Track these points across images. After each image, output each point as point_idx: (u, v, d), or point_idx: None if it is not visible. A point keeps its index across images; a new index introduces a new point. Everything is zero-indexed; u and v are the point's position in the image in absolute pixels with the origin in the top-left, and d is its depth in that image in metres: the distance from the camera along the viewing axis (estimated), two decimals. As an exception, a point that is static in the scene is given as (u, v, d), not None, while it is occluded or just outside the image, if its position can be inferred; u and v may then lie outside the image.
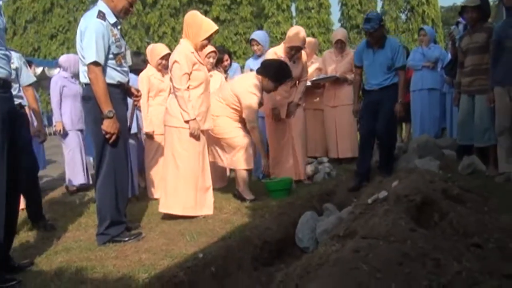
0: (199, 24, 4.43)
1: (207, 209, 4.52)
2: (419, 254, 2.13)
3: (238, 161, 5.01)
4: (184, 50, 4.38)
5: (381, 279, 1.91)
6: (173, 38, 25.03)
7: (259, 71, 5.14)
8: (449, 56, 6.52)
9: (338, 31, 7.76)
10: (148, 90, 5.48)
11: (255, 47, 6.52)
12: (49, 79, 15.29)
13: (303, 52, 5.88)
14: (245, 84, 5.05)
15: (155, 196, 5.47)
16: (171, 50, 5.69)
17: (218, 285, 3.20)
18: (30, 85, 4.90)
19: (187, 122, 4.36)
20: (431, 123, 7.29)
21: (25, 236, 4.28)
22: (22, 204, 5.33)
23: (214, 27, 4.50)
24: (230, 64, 6.67)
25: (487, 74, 4.92)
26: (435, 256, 2.12)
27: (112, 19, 3.74)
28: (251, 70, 6.07)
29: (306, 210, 4.25)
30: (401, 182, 3.42)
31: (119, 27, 3.84)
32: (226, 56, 6.50)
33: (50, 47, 26.12)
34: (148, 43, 24.22)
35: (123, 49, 3.82)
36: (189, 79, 4.37)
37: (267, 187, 5.15)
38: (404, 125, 8.56)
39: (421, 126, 7.30)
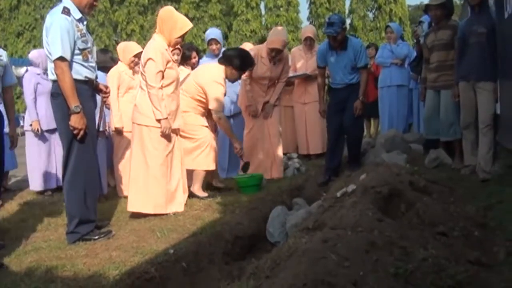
0: (174, 21, 4.39)
1: (178, 206, 4.48)
2: (386, 242, 2.17)
3: (200, 162, 4.96)
4: (158, 47, 4.32)
5: (349, 267, 1.95)
6: (141, 36, 24.86)
7: (221, 61, 5.07)
8: (415, 53, 6.65)
9: (307, 28, 7.80)
10: (118, 86, 5.43)
11: (214, 46, 6.39)
12: (16, 78, 15.05)
13: (286, 53, 5.88)
14: (209, 75, 4.97)
15: (125, 194, 5.41)
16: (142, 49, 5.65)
17: (190, 280, 3.21)
18: (11, 86, 4.77)
19: (158, 121, 4.30)
20: (399, 118, 7.42)
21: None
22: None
23: (189, 24, 4.47)
24: (198, 62, 6.62)
25: (452, 70, 5.03)
26: (402, 244, 2.17)
27: (77, 14, 3.70)
28: None
29: (277, 205, 4.28)
30: (368, 175, 3.47)
31: (85, 22, 3.80)
32: (194, 54, 6.36)
33: (16, 45, 25.64)
34: (116, 41, 23.97)
35: (89, 45, 3.78)
36: (163, 77, 4.32)
37: (238, 183, 5.15)
38: (372, 120, 8.69)
39: (389, 122, 7.41)
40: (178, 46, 5.33)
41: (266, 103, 5.75)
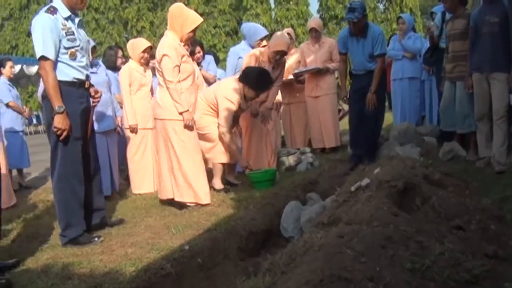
0: (185, 16, 4.43)
1: (208, 197, 4.55)
2: (402, 237, 2.17)
3: (216, 154, 5.09)
4: (172, 42, 4.37)
5: (365, 262, 1.94)
6: (151, 32, 24.92)
7: (240, 78, 5.14)
8: (427, 44, 6.58)
9: (311, 20, 7.80)
10: (129, 84, 5.44)
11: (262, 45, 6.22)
12: (27, 76, 15.11)
13: (284, 58, 5.84)
14: (225, 90, 5.07)
15: (138, 192, 5.46)
16: (151, 44, 5.68)
17: (205, 276, 3.23)
18: None
19: (181, 113, 4.37)
20: (412, 111, 7.36)
21: (10, 235, 4.24)
22: (6, 203, 5.34)
23: (199, 19, 4.51)
24: (203, 56, 6.62)
25: (467, 61, 4.98)
26: (418, 239, 2.17)
27: (65, 13, 3.63)
28: (240, 58, 6.06)
29: (290, 200, 4.28)
30: (383, 169, 3.46)
31: (76, 20, 3.73)
32: (198, 48, 6.36)
33: (27, 44, 25.79)
34: (127, 38, 24.05)
35: (78, 43, 3.69)
36: (179, 71, 4.37)
37: (251, 178, 5.16)
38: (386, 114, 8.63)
39: (402, 115, 7.36)
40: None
41: (262, 105, 5.65)
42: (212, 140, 5.08)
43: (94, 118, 4.52)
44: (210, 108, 5.10)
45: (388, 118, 8.49)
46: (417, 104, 7.41)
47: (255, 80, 5.05)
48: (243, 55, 6.03)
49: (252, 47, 6.10)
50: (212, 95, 5.09)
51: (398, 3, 23.98)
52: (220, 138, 5.04)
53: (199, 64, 6.33)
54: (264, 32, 6.29)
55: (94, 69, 5.05)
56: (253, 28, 6.49)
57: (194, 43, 6.20)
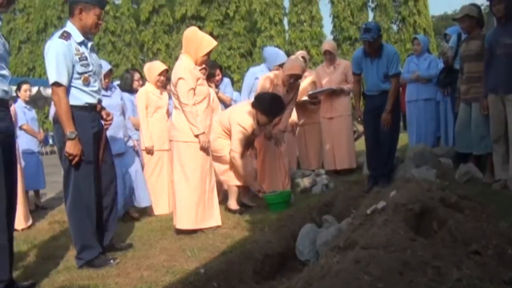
0: (199, 40, 4.50)
1: (216, 220, 4.58)
2: (420, 262, 2.15)
3: (231, 176, 5.17)
4: (187, 66, 4.45)
5: (383, 288, 1.93)
6: (167, 54, 25.20)
7: (253, 104, 5.20)
8: (441, 64, 6.57)
9: (325, 43, 7.89)
10: (146, 106, 5.51)
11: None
12: (44, 98, 15.32)
13: (298, 82, 5.92)
14: (239, 116, 5.14)
15: (155, 213, 5.49)
16: (166, 66, 5.76)
17: (221, 300, 3.21)
18: None
19: (197, 136, 4.42)
20: (427, 132, 7.33)
21: (26, 256, 4.27)
22: (23, 224, 5.39)
23: (214, 42, 4.59)
24: (222, 79, 6.73)
25: (481, 82, 4.97)
26: (435, 264, 2.14)
27: (78, 38, 3.68)
28: (256, 78, 6.12)
29: (306, 222, 4.26)
30: (399, 191, 3.44)
31: (89, 44, 3.77)
32: (217, 71, 6.54)
33: (44, 66, 26.14)
34: (143, 60, 24.36)
35: (91, 68, 3.73)
36: (195, 94, 4.43)
37: (266, 200, 5.17)
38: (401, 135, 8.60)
39: (418, 136, 7.33)
40: (204, 65, 5.46)
41: (276, 127, 5.68)
42: (227, 163, 5.14)
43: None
44: (224, 132, 5.17)
45: (403, 139, 8.47)
46: (432, 125, 7.39)
47: (268, 106, 5.12)
48: (259, 76, 6.16)
49: (270, 70, 6.20)
50: (226, 120, 5.17)
51: (412, 23, 24.00)
52: (231, 163, 5.06)
53: (217, 86, 6.43)
54: (284, 58, 6.38)
55: (108, 93, 5.12)
56: (274, 53, 6.63)
57: (214, 66, 6.41)
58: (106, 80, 5.21)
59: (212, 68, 6.27)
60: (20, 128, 6.71)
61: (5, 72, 3.22)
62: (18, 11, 27.39)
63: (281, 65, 6.16)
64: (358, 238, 2.71)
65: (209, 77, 6.14)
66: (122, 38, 25.81)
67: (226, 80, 6.93)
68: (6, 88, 3.21)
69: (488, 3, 5.04)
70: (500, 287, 2.05)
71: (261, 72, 6.36)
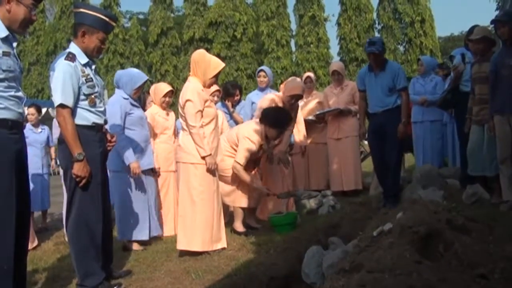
0: (207, 62, 4.54)
1: (222, 243, 4.56)
2: (425, 286, 2.12)
3: (236, 199, 5.17)
4: (195, 88, 4.47)
5: (388, 312, 1.90)
6: (175, 76, 25.43)
7: (261, 120, 5.23)
8: (446, 85, 6.54)
9: (333, 63, 7.96)
10: (152, 127, 5.53)
11: (262, 79, 6.61)
12: (52, 119, 15.48)
13: (297, 104, 6.01)
14: (248, 130, 5.16)
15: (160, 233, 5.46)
16: (174, 88, 5.80)
17: (226, 323, 3.18)
18: None
19: (203, 158, 4.42)
20: (433, 153, 7.27)
21: (31, 277, 4.23)
22: (29, 245, 5.37)
23: (221, 64, 4.62)
24: (240, 100, 6.87)
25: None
26: (441, 288, 2.12)
27: (83, 59, 3.66)
28: (253, 103, 6.19)
29: (312, 244, 4.22)
30: (405, 213, 3.41)
31: (93, 66, 3.77)
32: (237, 91, 6.74)
33: (54, 88, 26.43)
34: (151, 81, 24.52)
35: (97, 89, 3.71)
36: (202, 116, 4.45)
37: (272, 222, 5.14)
38: (407, 155, 8.55)
39: (424, 157, 7.29)
40: (217, 87, 5.54)
41: (278, 149, 5.69)
42: (233, 183, 5.14)
43: (136, 156, 4.76)
44: (232, 149, 5.17)
45: (410, 159, 8.44)
46: (439, 146, 7.34)
47: (274, 118, 5.15)
48: (255, 99, 6.33)
49: (261, 89, 6.51)
50: (234, 135, 5.19)
51: (418, 45, 24.13)
52: (234, 174, 5.08)
53: (233, 106, 6.67)
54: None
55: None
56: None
57: (235, 87, 6.74)
58: (168, 100, 5.57)
59: (233, 89, 6.61)
60: None
61: (20, 93, 3.21)
62: (28, 33, 27.75)
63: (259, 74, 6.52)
64: (363, 261, 2.68)
65: (228, 97, 6.45)
66: (130, 60, 26.11)
67: (243, 103, 7.03)
68: (21, 110, 3.21)
69: (492, 25, 5.06)
70: (507, 311, 2.02)
71: (256, 95, 6.50)
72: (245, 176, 5.07)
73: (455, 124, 6.47)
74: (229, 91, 6.64)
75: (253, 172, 5.28)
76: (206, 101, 4.51)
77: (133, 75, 5.13)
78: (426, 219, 3.04)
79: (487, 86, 5.05)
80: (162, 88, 5.70)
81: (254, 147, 5.07)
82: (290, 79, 6.09)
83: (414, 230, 2.83)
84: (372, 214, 5.09)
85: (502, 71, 4.72)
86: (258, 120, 5.36)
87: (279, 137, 5.43)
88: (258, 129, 5.14)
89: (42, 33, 27.54)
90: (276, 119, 5.17)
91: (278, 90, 6.54)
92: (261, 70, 6.78)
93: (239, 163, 5.03)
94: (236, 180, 5.15)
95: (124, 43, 26.61)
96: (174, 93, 5.77)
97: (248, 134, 5.10)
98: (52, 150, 6.99)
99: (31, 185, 6.07)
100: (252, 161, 5.23)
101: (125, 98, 5.00)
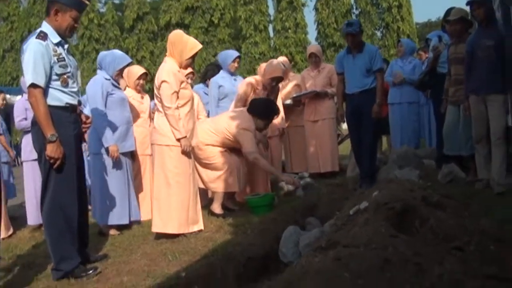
0: (184, 43, 4.46)
1: (199, 225, 4.53)
2: (401, 259, 2.12)
3: (221, 184, 5.12)
4: (171, 69, 4.40)
5: (363, 285, 1.90)
6: (151, 61, 25.18)
7: (249, 110, 5.25)
8: (424, 67, 6.57)
9: (311, 46, 7.96)
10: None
11: (237, 64, 6.55)
12: (11, 106, 15.19)
13: (278, 86, 6.01)
14: (238, 124, 5.13)
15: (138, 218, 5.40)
16: (151, 74, 5.72)
17: (202, 304, 3.16)
18: None
19: (178, 140, 4.36)
20: (410, 135, 7.33)
21: (6, 265, 4.19)
22: (3, 233, 5.28)
23: (198, 45, 4.56)
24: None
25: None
26: (417, 261, 2.12)
27: (55, 38, 3.56)
28: (220, 86, 6.22)
29: (289, 224, 4.21)
30: (381, 191, 3.42)
31: (65, 46, 3.68)
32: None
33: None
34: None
35: (69, 69, 3.62)
36: (178, 97, 4.39)
37: (250, 203, 5.13)
38: (384, 138, 8.60)
39: (401, 138, 7.34)
40: (192, 70, 5.46)
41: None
42: (217, 169, 5.10)
43: (116, 137, 4.73)
44: (219, 141, 5.15)
45: (385, 142, 8.49)
46: (416, 128, 7.40)
47: (263, 109, 5.21)
48: (222, 83, 6.29)
49: (230, 72, 6.37)
50: (224, 127, 5.16)
51: (395, 30, 24.25)
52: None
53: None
54: (234, 54, 6.59)
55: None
56: (224, 54, 6.76)
57: (220, 68, 6.62)
58: (142, 82, 5.48)
59: (218, 69, 6.61)
60: None
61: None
62: (2, 19, 27.19)
63: (235, 60, 6.41)
64: (340, 238, 2.68)
65: (211, 77, 6.48)
66: (106, 46, 25.69)
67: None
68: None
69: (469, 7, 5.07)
70: (482, 282, 2.02)
71: (222, 78, 6.39)
72: (263, 162, 5.15)
73: (432, 105, 6.52)
74: (214, 72, 6.61)
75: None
76: (182, 82, 4.44)
77: (117, 56, 5.08)
78: (402, 196, 3.05)
79: (463, 67, 5.07)
80: (135, 71, 5.60)
81: (253, 133, 5.13)
82: (269, 61, 6.06)
83: (390, 206, 2.83)
84: (348, 195, 5.11)
85: (478, 52, 4.74)
86: (239, 106, 5.40)
87: (266, 128, 5.46)
88: (249, 120, 5.16)
89: (16, 19, 26.88)
90: (265, 111, 5.22)
91: (256, 74, 6.51)
92: (239, 56, 6.72)
93: (252, 152, 5.04)
94: (219, 167, 5.10)
95: (100, 28, 26.21)
96: (147, 76, 5.68)
97: (244, 126, 5.09)
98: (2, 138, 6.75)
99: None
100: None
101: (106, 79, 4.94)
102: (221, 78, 6.41)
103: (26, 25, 26.01)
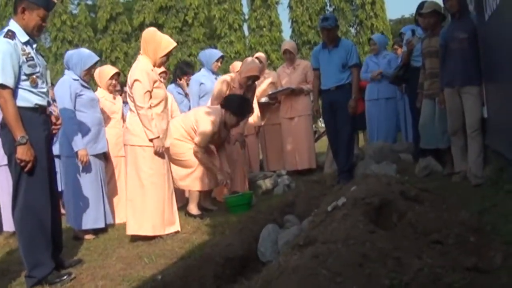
0: (158, 40, 4.38)
1: (175, 226, 4.46)
2: (379, 254, 2.08)
3: (192, 183, 5.07)
4: (144, 67, 4.31)
5: (341, 282, 1.86)
6: (126, 62, 24.92)
7: (222, 105, 5.16)
8: (399, 61, 6.58)
9: (285, 42, 7.92)
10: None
11: (220, 64, 6.56)
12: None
13: (255, 84, 5.97)
14: (207, 112, 5.09)
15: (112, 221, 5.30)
16: (125, 75, 5.61)
17: (179, 306, 3.09)
18: None
19: (151, 140, 4.28)
20: (388, 130, 7.33)
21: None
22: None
23: (173, 43, 4.49)
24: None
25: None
26: (396, 255, 2.09)
27: (23, 37, 3.45)
28: (201, 83, 6.18)
29: (267, 223, 4.17)
30: (358, 187, 3.39)
31: (34, 45, 3.57)
32: (192, 71, 6.81)
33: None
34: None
35: (38, 69, 3.51)
36: (151, 97, 4.30)
37: (227, 203, 5.07)
38: (361, 133, 8.60)
39: (378, 134, 7.34)
40: (164, 69, 5.37)
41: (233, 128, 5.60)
42: (189, 167, 5.03)
43: (87, 139, 4.60)
44: (188, 135, 5.06)
45: (362, 138, 8.50)
46: (393, 123, 7.40)
47: (237, 106, 5.11)
48: (204, 81, 6.26)
49: (212, 71, 6.36)
50: (192, 119, 5.08)
51: (369, 27, 24.42)
52: (196, 157, 4.98)
53: (188, 85, 6.61)
54: (218, 53, 6.67)
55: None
56: (207, 53, 6.81)
57: (189, 66, 6.94)
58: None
59: (188, 67, 6.74)
60: None
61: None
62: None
63: (219, 60, 6.46)
64: (318, 234, 2.64)
65: (183, 75, 6.53)
66: (79, 47, 25.38)
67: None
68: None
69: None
70: (462, 274, 2.00)
71: (203, 76, 6.40)
72: (207, 161, 5.01)
73: (407, 99, 6.53)
74: (183, 70, 6.59)
75: (215, 154, 5.20)
76: (155, 81, 4.35)
77: (84, 55, 4.94)
78: (379, 191, 3.02)
79: (437, 60, 5.08)
80: (107, 71, 5.48)
81: (213, 129, 5.01)
82: (246, 60, 6.00)
83: (367, 201, 2.80)
84: (327, 191, 5.08)
85: (451, 45, 4.75)
86: (216, 104, 5.31)
87: (237, 125, 5.38)
88: (218, 114, 5.07)
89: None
90: (239, 108, 5.14)
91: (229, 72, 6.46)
92: (223, 56, 6.69)
93: (199, 145, 4.96)
94: (190, 164, 5.03)
95: (73, 30, 25.84)
96: (119, 76, 5.58)
97: (210, 117, 5.02)
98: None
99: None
100: (211, 143, 5.15)
101: (74, 79, 4.80)
102: (202, 76, 6.40)
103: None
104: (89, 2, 30.31)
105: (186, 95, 6.57)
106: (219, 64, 6.48)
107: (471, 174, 4.56)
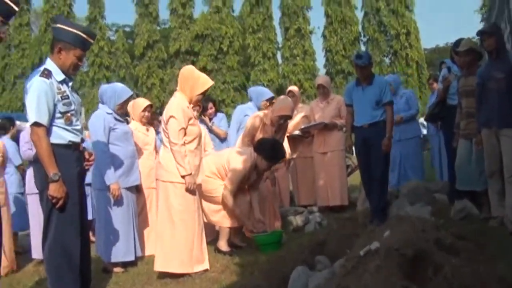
0: (196, 78, 4.44)
1: (204, 264, 4.42)
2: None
3: (223, 218, 5.04)
4: (180, 104, 4.36)
5: None
6: (161, 89, 25.33)
7: (255, 149, 5.14)
8: (434, 97, 6.48)
9: (319, 77, 7.91)
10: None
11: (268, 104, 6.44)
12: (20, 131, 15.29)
13: (287, 122, 5.91)
14: (239, 153, 5.09)
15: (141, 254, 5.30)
16: (160, 101, 5.69)
17: None
18: None
19: (183, 177, 4.29)
20: (414, 169, 7.15)
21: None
22: (7, 268, 5.20)
23: (210, 81, 4.55)
24: (215, 113, 6.82)
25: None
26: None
27: (59, 76, 3.55)
28: (246, 115, 6.19)
29: (298, 263, 4.09)
30: (392, 232, 3.31)
31: (70, 83, 3.66)
32: (210, 104, 6.70)
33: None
34: (137, 95, 24.45)
35: (73, 107, 3.59)
36: (185, 134, 4.33)
37: (257, 241, 5.02)
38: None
39: (404, 174, 7.13)
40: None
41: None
42: (219, 203, 5.02)
43: (120, 172, 4.65)
44: (218, 172, 5.06)
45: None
46: (419, 160, 7.23)
47: (269, 151, 5.05)
48: (249, 113, 6.16)
49: (259, 108, 6.27)
50: (224, 158, 5.08)
51: (404, 57, 24.30)
52: (223, 203, 4.95)
53: (210, 119, 6.62)
54: (269, 93, 6.55)
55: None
56: (259, 90, 6.77)
57: (207, 100, 6.55)
58: (147, 114, 5.45)
59: (205, 102, 6.44)
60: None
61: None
62: (13, 47, 27.57)
63: (268, 100, 6.32)
64: (350, 283, 2.58)
65: (202, 111, 6.38)
66: (116, 73, 25.99)
67: (221, 115, 7.03)
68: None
69: (478, 37, 5.00)
70: None
71: (249, 109, 6.38)
72: (233, 206, 4.95)
73: (443, 137, 6.40)
74: (202, 106, 6.59)
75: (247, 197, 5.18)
76: (190, 118, 4.39)
77: (117, 90, 5.01)
78: (414, 240, 2.94)
79: (473, 100, 4.98)
80: (140, 103, 5.57)
81: (243, 172, 4.98)
82: (279, 98, 5.98)
83: (401, 252, 2.72)
84: (359, 230, 4.99)
85: (489, 84, 4.66)
86: (246, 141, 5.35)
87: (269, 169, 5.33)
88: (250, 157, 5.04)
89: (27, 46, 27.27)
90: (271, 152, 5.08)
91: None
92: (273, 97, 6.56)
93: (228, 189, 4.93)
94: (222, 201, 5.01)
95: (110, 56, 26.48)
96: (152, 108, 5.65)
97: (239, 158, 5.01)
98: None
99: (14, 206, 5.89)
100: (241, 184, 5.11)
101: (108, 113, 4.88)
102: (248, 108, 6.45)
103: (37, 53, 26.38)
104: (127, 29, 31.14)
105: (211, 128, 6.62)
106: (267, 104, 6.33)
107: (507, 220, 4.42)
